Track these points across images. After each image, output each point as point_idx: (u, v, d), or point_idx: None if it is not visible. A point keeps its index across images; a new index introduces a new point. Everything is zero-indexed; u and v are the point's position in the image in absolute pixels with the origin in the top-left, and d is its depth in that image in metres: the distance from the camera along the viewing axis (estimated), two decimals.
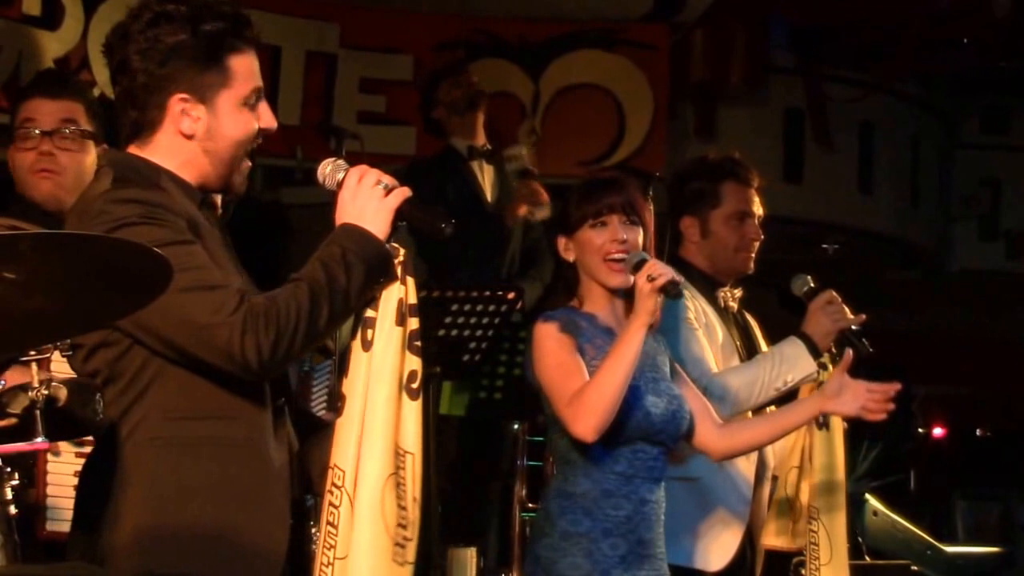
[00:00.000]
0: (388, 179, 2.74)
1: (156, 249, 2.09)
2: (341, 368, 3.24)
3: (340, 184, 2.75)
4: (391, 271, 2.71)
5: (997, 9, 8.03)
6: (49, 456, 3.39)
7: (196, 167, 2.78)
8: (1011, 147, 9.82)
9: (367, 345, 2.68)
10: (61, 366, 3.19)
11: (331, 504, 2.64)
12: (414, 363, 2.70)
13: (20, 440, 2.73)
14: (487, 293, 4.65)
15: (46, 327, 2.23)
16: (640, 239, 3.55)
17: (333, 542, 2.63)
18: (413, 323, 2.70)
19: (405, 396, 2.68)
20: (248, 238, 2.97)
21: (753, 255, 4.33)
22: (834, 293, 4.11)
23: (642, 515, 3.49)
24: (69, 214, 2.80)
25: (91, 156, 3.73)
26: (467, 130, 6.08)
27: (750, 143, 7.49)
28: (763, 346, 4.35)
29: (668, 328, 3.86)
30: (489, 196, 6.05)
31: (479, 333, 4.63)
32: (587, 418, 3.34)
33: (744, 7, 8.19)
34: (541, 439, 4.85)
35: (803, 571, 3.93)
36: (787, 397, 4.05)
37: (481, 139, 6.12)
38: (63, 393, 2.73)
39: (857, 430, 4.12)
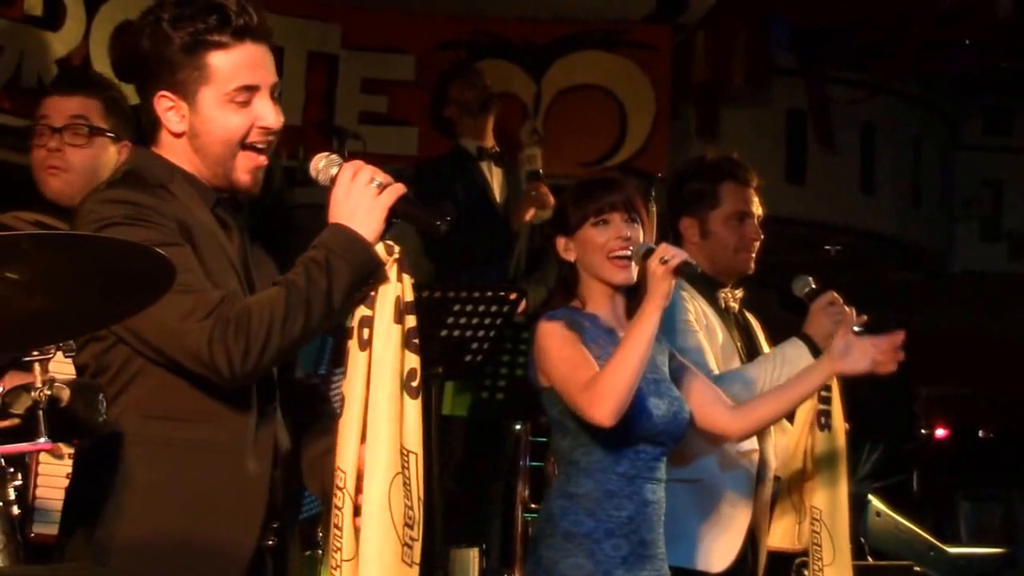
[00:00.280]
0: (382, 176, 2.70)
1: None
2: None
3: (334, 180, 2.71)
4: (380, 273, 2.66)
5: (999, 10, 8.02)
6: (41, 458, 3.38)
7: (194, 166, 2.76)
8: (1013, 148, 9.80)
9: (364, 344, 2.65)
10: (63, 367, 3.18)
11: (335, 507, 2.62)
12: (413, 361, 2.67)
13: (23, 441, 2.73)
14: (489, 293, 4.64)
15: (48, 327, 2.23)
16: (640, 237, 3.56)
17: (339, 544, 2.62)
18: (411, 321, 2.67)
19: (405, 395, 2.65)
20: (256, 239, 2.94)
21: (753, 255, 4.32)
22: (835, 294, 4.11)
23: (644, 516, 3.49)
24: (74, 214, 2.79)
25: (108, 153, 3.71)
26: (477, 132, 6.09)
27: (752, 144, 7.50)
28: (764, 347, 4.35)
29: (668, 329, 3.85)
30: (498, 198, 6.06)
31: (481, 333, 4.62)
32: (604, 402, 3.34)
33: (746, 8, 8.18)
34: (543, 440, 4.85)
35: (806, 572, 3.92)
36: None
37: (490, 141, 6.13)
38: (66, 394, 2.72)
39: (860, 431, 4.11)
